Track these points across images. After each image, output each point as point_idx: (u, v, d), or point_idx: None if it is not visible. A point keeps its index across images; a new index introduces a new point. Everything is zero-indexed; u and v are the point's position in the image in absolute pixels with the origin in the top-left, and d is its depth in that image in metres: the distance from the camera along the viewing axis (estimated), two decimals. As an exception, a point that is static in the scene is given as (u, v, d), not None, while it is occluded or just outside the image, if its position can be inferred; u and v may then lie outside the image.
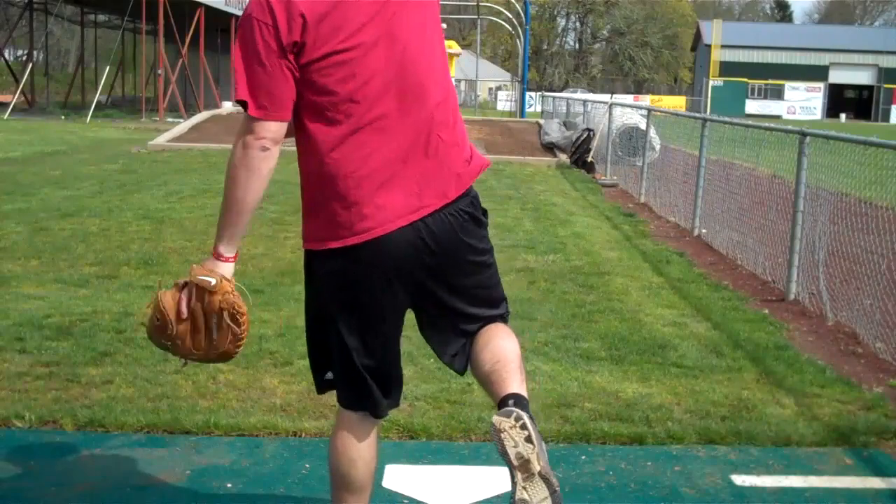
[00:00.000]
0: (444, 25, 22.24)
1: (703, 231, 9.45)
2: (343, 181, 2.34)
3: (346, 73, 2.28)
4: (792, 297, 6.70)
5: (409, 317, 2.57)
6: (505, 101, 45.88)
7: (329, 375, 2.61)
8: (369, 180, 2.34)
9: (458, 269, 2.49)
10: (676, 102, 56.88)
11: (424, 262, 2.41)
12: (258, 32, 2.25)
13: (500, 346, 2.52)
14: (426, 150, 2.38)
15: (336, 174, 2.34)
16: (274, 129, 2.30)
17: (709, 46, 62.58)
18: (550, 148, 18.30)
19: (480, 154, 2.58)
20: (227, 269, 2.45)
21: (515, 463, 2.21)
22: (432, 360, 4.47)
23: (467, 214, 2.47)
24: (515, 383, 2.42)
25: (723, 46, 61.77)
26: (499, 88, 53.89)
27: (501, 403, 2.36)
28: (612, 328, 5.61)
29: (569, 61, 75.30)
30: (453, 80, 24.17)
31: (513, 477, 2.23)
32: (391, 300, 2.45)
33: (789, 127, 7.87)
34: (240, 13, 34.72)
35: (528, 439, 2.21)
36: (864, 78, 63.95)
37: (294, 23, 2.22)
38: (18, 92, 30.16)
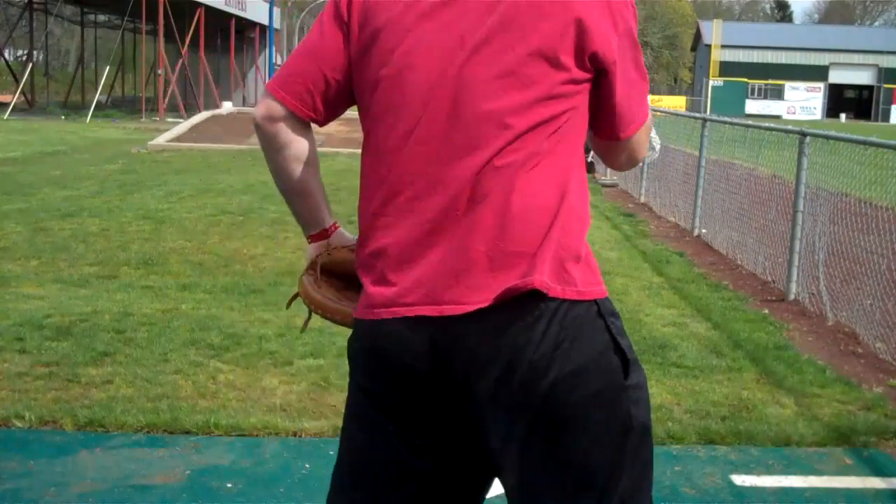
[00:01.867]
0: None
1: (703, 231, 9.45)
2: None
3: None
4: (792, 297, 6.70)
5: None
6: (505, 101, 45.88)
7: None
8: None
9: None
10: (676, 102, 56.85)
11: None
12: None
13: None
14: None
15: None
16: None
17: (709, 46, 62.58)
18: (550, 148, 18.29)
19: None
20: (309, 249, 1.92)
21: None
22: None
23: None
24: None
25: (723, 46, 61.77)
26: (499, 88, 53.90)
27: None
28: (612, 328, 5.59)
29: (569, 61, 75.28)
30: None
31: None
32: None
33: (789, 127, 7.87)
34: (240, 13, 34.42)
35: None
36: (864, 78, 63.94)
37: None
38: (18, 92, 30.17)
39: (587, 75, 1.62)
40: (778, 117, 54.53)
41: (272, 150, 1.79)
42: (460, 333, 1.60)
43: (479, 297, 1.59)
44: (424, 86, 1.63)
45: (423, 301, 1.61)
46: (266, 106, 1.76)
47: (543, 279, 1.57)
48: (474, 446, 1.67)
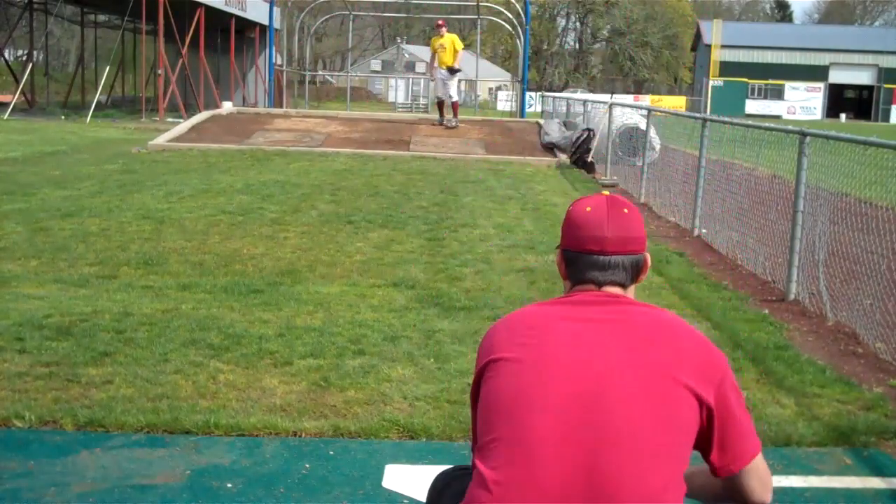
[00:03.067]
0: (444, 29, 19.35)
1: (703, 231, 9.44)
2: None
3: None
4: (792, 297, 6.70)
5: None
6: (505, 101, 45.89)
7: None
8: None
9: None
10: (676, 102, 56.86)
11: None
12: None
13: None
14: None
15: None
16: None
17: (709, 46, 62.59)
18: (550, 148, 18.26)
19: None
20: None
21: None
22: (432, 360, 4.44)
23: None
24: None
25: (723, 46, 61.78)
26: (499, 88, 53.85)
27: None
28: (612, 328, 5.59)
29: (569, 61, 75.26)
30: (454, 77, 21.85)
31: None
32: None
33: (789, 127, 7.86)
34: (240, 13, 34.38)
35: None
36: (864, 78, 63.95)
37: None
38: (18, 92, 30.14)
39: (698, 411, 1.82)
40: (778, 117, 54.53)
41: None
42: None
43: None
44: (565, 389, 1.80)
45: None
46: None
47: None
48: None
